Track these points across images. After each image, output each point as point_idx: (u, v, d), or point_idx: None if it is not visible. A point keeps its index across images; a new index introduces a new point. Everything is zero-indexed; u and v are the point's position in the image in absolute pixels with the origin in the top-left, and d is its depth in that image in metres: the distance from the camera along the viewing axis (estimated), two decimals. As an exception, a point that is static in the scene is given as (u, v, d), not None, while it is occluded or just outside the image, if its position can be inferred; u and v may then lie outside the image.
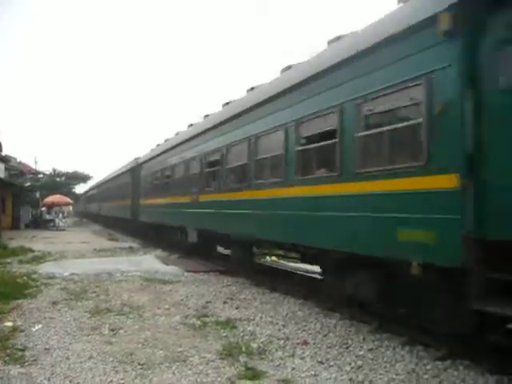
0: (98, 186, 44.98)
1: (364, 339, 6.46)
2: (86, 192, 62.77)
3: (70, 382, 4.94)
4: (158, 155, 19.76)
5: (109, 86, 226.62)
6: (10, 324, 7.11)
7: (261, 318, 7.66)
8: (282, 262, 14.46)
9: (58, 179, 68.36)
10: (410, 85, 5.77)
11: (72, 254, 17.06)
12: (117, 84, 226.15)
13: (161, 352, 5.88)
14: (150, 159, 21.19)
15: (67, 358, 5.64)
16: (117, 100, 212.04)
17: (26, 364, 5.45)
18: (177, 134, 18.32)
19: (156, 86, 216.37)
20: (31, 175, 55.87)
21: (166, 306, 8.45)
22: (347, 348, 6.13)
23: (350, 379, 5.07)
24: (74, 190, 72.12)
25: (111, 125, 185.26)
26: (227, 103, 13.04)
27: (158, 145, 21.66)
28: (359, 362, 5.57)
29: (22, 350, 5.92)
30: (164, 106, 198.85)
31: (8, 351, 5.86)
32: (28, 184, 49.81)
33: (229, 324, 7.24)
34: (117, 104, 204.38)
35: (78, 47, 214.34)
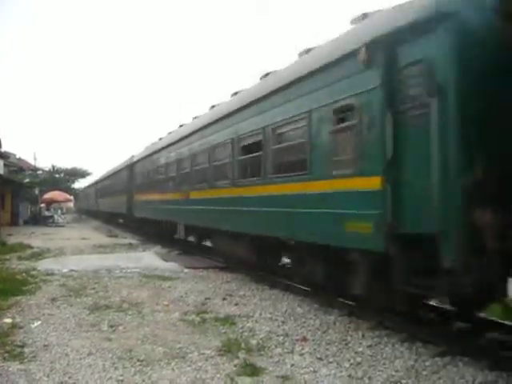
0: (128, 166, 24.66)
1: (363, 336, 6.46)
2: (98, 182, 39.50)
3: (69, 378, 4.94)
4: None
5: (108, 82, 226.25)
6: (9, 320, 7.11)
7: (260, 314, 7.66)
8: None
9: (57, 176, 68.28)
10: None
11: (71, 251, 17.06)
12: (116, 80, 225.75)
13: (160, 348, 5.88)
14: None
15: (66, 355, 5.64)
16: (116, 96, 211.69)
17: (26, 360, 5.45)
18: None
19: (155, 84, 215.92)
20: (30, 171, 55.82)
21: (166, 303, 8.45)
22: (346, 344, 6.13)
23: (349, 375, 5.08)
24: (73, 186, 72.06)
25: (110, 121, 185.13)
26: None
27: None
28: (358, 359, 5.57)
29: (21, 347, 5.92)
30: (163, 103, 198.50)
31: (7, 348, 5.85)
32: (27, 180, 49.78)
33: (228, 320, 7.24)
34: (116, 100, 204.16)
35: (76, 43, 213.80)
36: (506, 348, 5.51)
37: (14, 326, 6.86)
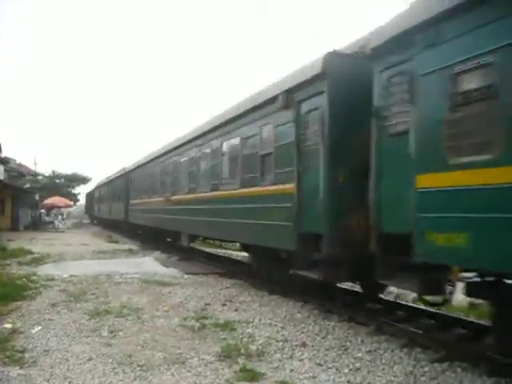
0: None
1: (362, 341, 6.48)
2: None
3: (70, 383, 4.96)
4: None
5: (108, 87, 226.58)
6: (9, 326, 7.13)
7: (259, 320, 7.68)
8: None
9: (57, 181, 68.26)
10: None
11: (71, 256, 17.07)
12: (116, 85, 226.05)
13: (160, 354, 5.90)
14: None
15: (66, 360, 5.66)
16: (116, 102, 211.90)
17: (26, 365, 5.47)
18: None
19: (155, 87, 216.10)
20: (30, 177, 55.79)
21: (165, 308, 8.47)
22: (346, 350, 6.15)
23: (348, 381, 5.10)
24: (73, 192, 72.05)
25: (110, 127, 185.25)
26: None
27: None
28: (357, 364, 5.59)
29: (22, 352, 5.94)
30: (164, 108, 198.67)
31: (7, 353, 5.87)
32: (27, 186, 49.77)
33: (228, 326, 7.25)
34: (116, 106, 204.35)
35: (78, 48, 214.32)
36: (505, 354, 5.53)
37: (14, 331, 6.87)
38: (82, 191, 72.89)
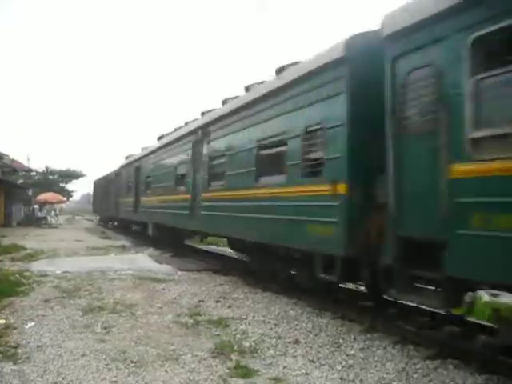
0: None
1: (355, 338, 6.53)
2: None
3: (63, 379, 4.96)
4: None
5: (102, 84, 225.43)
6: (2, 321, 7.11)
7: (253, 317, 7.71)
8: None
9: (50, 177, 68.00)
10: None
11: (64, 252, 17.01)
12: (110, 82, 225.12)
13: (153, 350, 5.91)
14: None
15: (60, 356, 5.65)
16: (110, 98, 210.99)
17: (19, 361, 5.46)
18: None
19: (151, 84, 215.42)
20: (24, 172, 55.49)
21: (159, 305, 8.47)
22: (338, 347, 6.19)
23: (341, 378, 5.13)
24: (66, 188, 71.80)
25: (104, 123, 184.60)
26: None
27: None
28: (350, 361, 5.63)
29: (15, 348, 5.93)
30: (158, 103, 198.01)
31: (1, 348, 5.86)
32: (20, 181, 49.51)
33: (221, 323, 7.27)
34: (109, 102, 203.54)
35: (73, 45, 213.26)
36: (495, 351, 5.59)
37: (7, 326, 6.86)
38: (75, 188, 72.80)
